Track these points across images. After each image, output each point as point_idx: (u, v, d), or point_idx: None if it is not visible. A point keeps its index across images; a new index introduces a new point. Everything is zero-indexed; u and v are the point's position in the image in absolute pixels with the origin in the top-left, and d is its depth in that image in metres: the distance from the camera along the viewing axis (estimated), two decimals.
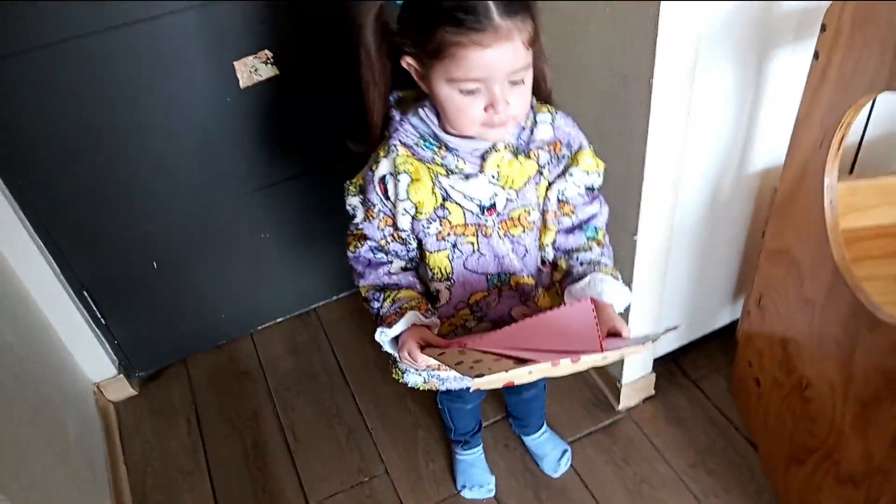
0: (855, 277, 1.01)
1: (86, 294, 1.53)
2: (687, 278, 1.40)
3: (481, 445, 1.43)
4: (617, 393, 1.49)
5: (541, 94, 0.93)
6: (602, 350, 0.80)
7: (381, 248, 0.97)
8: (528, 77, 0.84)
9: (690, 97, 1.07)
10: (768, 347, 1.30)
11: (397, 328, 0.93)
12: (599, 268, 0.96)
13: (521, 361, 0.81)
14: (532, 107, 0.91)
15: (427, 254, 0.96)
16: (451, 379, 1.08)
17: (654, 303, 1.34)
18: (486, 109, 0.82)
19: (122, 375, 1.66)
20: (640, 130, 1.08)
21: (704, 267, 1.40)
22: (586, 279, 0.95)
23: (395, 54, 0.86)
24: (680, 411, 1.50)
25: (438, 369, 1.04)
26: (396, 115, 0.91)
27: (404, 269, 0.99)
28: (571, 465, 1.42)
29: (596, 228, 0.99)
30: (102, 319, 1.59)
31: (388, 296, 0.96)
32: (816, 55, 1.02)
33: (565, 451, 1.43)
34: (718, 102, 1.15)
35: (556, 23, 1.21)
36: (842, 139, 1.01)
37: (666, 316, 1.40)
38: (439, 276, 0.97)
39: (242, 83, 1.42)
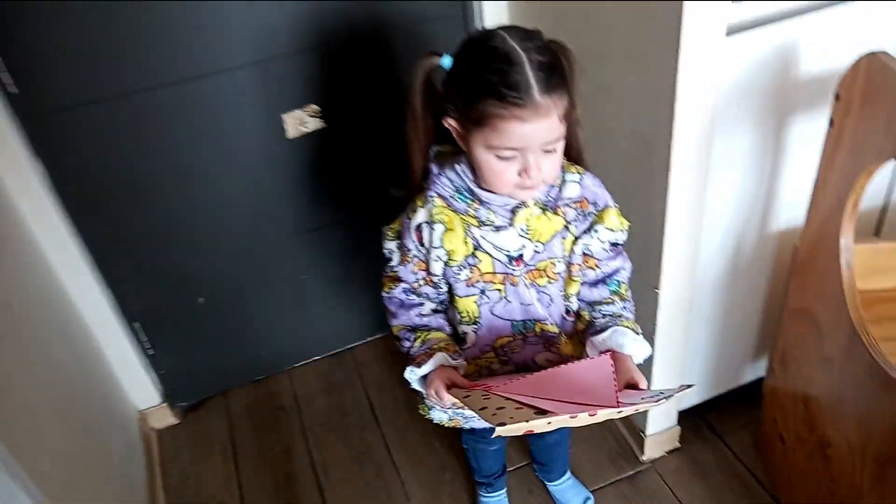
0: (872, 337, 1.04)
1: (136, 326, 1.63)
2: (710, 333, 1.43)
3: (505, 489, 1.46)
4: (641, 443, 1.51)
5: (571, 154, 0.99)
6: (618, 405, 0.85)
7: (413, 291, 1.04)
8: (560, 145, 0.90)
9: (709, 158, 1.12)
10: (791, 405, 1.31)
11: (426, 368, 0.98)
12: (620, 321, 1.02)
13: (542, 412, 0.86)
14: (562, 167, 0.97)
15: (456, 298, 1.02)
16: (474, 418, 1.12)
17: (677, 356, 1.37)
18: (519, 174, 0.88)
19: (165, 404, 1.75)
20: (661, 189, 1.14)
21: (728, 322, 1.42)
22: (608, 332, 1.00)
23: (437, 114, 0.94)
24: (705, 465, 1.50)
25: (463, 408, 1.09)
26: (435, 169, 0.98)
27: (435, 312, 1.06)
28: None
29: (619, 282, 1.04)
30: (150, 350, 1.68)
31: (419, 336, 1.03)
32: (831, 122, 1.06)
33: (587, 498, 1.45)
34: (738, 164, 1.20)
35: (585, 88, 1.28)
36: (855, 203, 1.04)
37: (689, 369, 1.43)
38: (467, 319, 1.03)
39: (290, 134, 1.52)
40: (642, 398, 0.92)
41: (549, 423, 0.87)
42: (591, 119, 1.26)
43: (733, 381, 1.54)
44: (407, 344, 1.04)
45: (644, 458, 1.52)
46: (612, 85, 1.19)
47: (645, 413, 1.45)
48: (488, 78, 0.84)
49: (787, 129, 1.19)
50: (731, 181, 1.22)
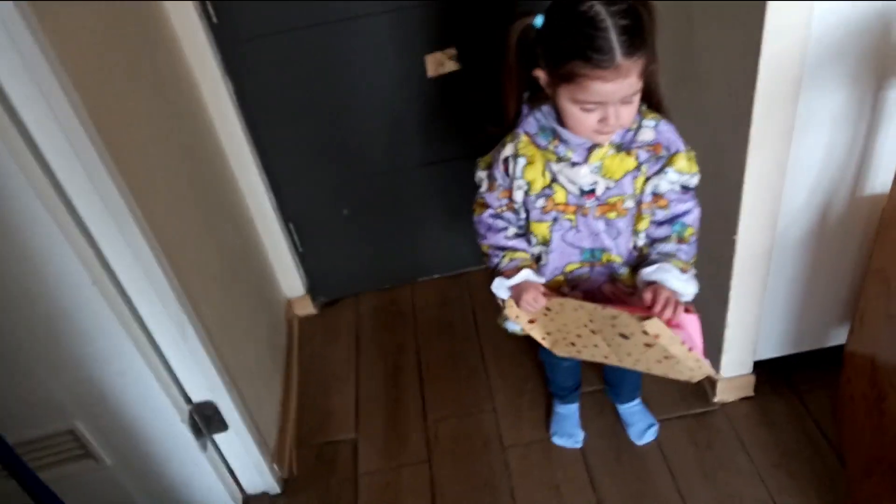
0: None
1: (291, 226, 1.96)
2: (793, 290, 1.47)
3: (577, 403, 1.62)
4: (714, 386, 1.60)
5: (651, 101, 1.10)
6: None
7: (498, 216, 1.20)
8: (638, 96, 1.02)
9: (794, 113, 1.18)
10: (862, 364, 1.35)
11: (515, 279, 1.16)
12: (671, 259, 1.13)
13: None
14: (639, 112, 1.08)
15: (532, 223, 1.17)
16: None
17: (752, 305, 1.44)
18: (599, 122, 1.02)
19: (308, 296, 2.08)
20: (743, 139, 1.22)
21: (813, 282, 1.46)
22: (654, 266, 1.13)
23: (528, 65, 1.07)
24: (775, 416, 1.57)
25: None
26: (525, 110, 1.13)
27: (517, 235, 1.22)
28: (656, 438, 1.56)
29: (683, 225, 1.15)
30: (300, 248, 2.01)
31: (507, 254, 1.20)
32: None
33: (653, 424, 1.57)
34: (830, 122, 1.24)
35: (683, 43, 1.38)
36: None
37: (768, 321, 1.49)
38: (540, 241, 1.19)
39: (430, 73, 1.74)
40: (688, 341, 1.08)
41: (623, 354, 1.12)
42: (690, 73, 1.38)
43: (818, 341, 1.58)
44: (496, 260, 1.20)
45: (716, 399, 1.61)
46: (711, 39, 1.28)
47: (719, 356, 1.54)
48: (577, 41, 0.95)
49: (886, 93, 1.21)
50: (821, 139, 1.26)
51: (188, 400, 1.37)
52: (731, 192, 1.30)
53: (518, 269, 1.17)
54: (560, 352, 1.28)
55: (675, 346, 1.08)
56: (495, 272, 1.20)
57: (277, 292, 2.02)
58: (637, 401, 1.59)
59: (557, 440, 1.60)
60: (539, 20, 1.03)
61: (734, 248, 1.35)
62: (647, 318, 1.04)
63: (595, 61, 0.94)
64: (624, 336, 1.12)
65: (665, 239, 1.15)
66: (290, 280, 2.05)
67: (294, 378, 1.89)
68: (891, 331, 1.19)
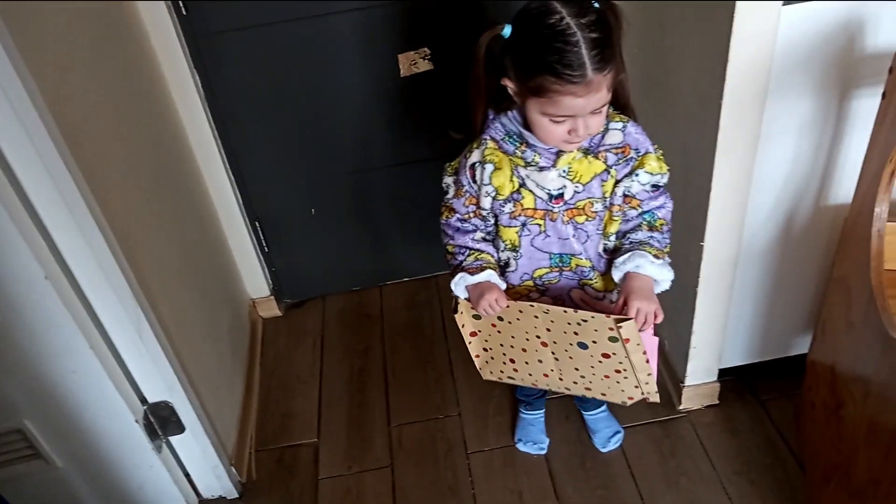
0: (885, 299, 1.09)
1: (257, 224, 1.93)
2: (759, 297, 1.49)
3: (543, 410, 1.61)
4: (679, 393, 1.60)
5: (619, 103, 1.10)
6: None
7: (465, 220, 1.19)
8: (606, 105, 1.02)
9: (760, 120, 1.19)
10: (823, 372, 1.36)
11: (478, 277, 1.15)
12: (644, 247, 1.13)
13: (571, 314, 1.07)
14: (606, 115, 1.07)
15: (501, 228, 1.17)
16: None
17: (718, 312, 1.45)
18: (568, 132, 1.01)
19: (273, 297, 2.04)
20: (711, 144, 1.23)
21: (779, 290, 1.48)
22: (628, 254, 1.12)
23: (497, 75, 1.05)
24: (739, 424, 1.58)
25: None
26: (491, 115, 1.12)
27: (485, 240, 1.21)
28: (621, 445, 1.56)
29: (654, 215, 1.14)
30: (266, 248, 1.98)
31: (473, 254, 1.19)
32: (884, 95, 1.11)
33: (618, 431, 1.57)
34: (795, 131, 1.26)
35: (659, 49, 1.39)
36: (893, 172, 1.09)
37: (733, 329, 1.50)
38: (508, 246, 1.18)
39: (402, 73, 1.73)
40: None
41: (577, 379, 1.15)
42: (662, 78, 1.38)
43: (782, 350, 1.59)
44: (460, 258, 1.19)
45: (680, 407, 1.61)
46: (682, 45, 1.28)
47: (685, 363, 1.54)
48: (547, 56, 0.94)
49: (850, 104, 1.23)
50: (787, 147, 1.28)
51: (143, 400, 1.33)
52: (699, 198, 1.31)
53: (481, 269, 1.16)
54: (488, 373, 1.28)
55: (637, 354, 1.08)
56: (457, 270, 1.18)
57: (241, 292, 1.98)
58: (603, 407, 1.59)
59: (522, 447, 1.59)
60: (507, 30, 1.01)
61: (701, 254, 1.36)
62: (624, 319, 1.04)
63: (566, 77, 0.94)
64: (583, 345, 1.12)
65: (636, 228, 1.15)
66: (255, 280, 2.01)
67: (256, 380, 1.86)
68: (851, 339, 1.21)
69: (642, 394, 1.16)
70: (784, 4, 1.08)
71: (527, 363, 1.21)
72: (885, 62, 1.08)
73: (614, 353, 1.10)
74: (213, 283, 1.75)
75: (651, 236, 1.14)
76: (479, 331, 1.22)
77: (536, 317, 1.13)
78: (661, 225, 1.15)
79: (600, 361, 1.13)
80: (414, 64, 1.73)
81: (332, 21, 1.63)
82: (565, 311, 1.09)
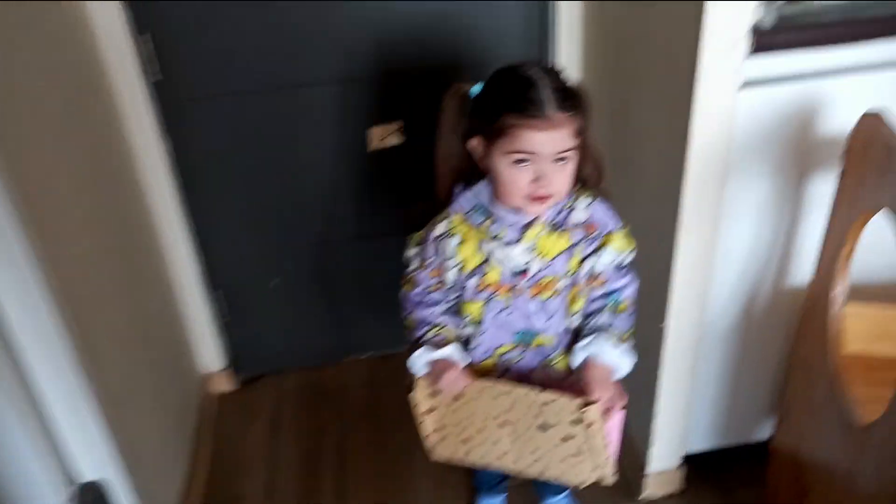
0: (846, 382, 1.08)
1: (219, 294, 1.87)
2: (722, 381, 1.47)
3: (504, 496, 1.54)
4: (642, 481, 1.55)
5: (589, 181, 1.11)
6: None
7: (427, 293, 1.17)
8: (572, 161, 1.03)
9: (720, 201, 1.21)
10: (787, 458, 1.33)
11: (441, 352, 1.11)
12: (605, 331, 1.11)
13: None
14: (573, 192, 1.09)
15: (464, 302, 1.15)
16: None
17: (681, 395, 1.42)
18: (532, 182, 1.01)
19: (227, 372, 1.97)
20: (673, 222, 1.24)
21: (741, 373, 1.46)
22: (588, 339, 1.11)
23: (464, 137, 1.07)
24: None
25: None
26: (457, 188, 1.13)
27: (446, 314, 1.17)
28: None
29: (617, 298, 1.14)
30: (227, 318, 1.91)
31: (434, 328, 1.15)
32: (839, 178, 1.13)
33: None
34: (755, 213, 1.28)
35: (627, 129, 1.42)
36: (848, 254, 1.11)
37: (697, 413, 1.48)
38: (472, 321, 1.16)
39: (373, 146, 1.74)
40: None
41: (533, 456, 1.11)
42: (629, 158, 1.41)
43: (747, 435, 1.56)
44: (421, 331, 1.15)
45: (643, 495, 1.56)
46: (646, 124, 1.31)
47: (647, 449, 1.50)
48: (511, 97, 0.99)
49: (808, 187, 1.26)
50: (747, 228, 1.30)
51: (72, 479, 1.24)
52: (661, 277, 1.31)
53: (444, 344, 1.12)
54: (441, 452, 1.22)
55: (598, 438, 1.05)
56: (417, 344, 1.14)
57: (194, 365, 1.90)
58: (566, 492, 1.53)
59: None
60: (476, 88, 1.05)
61: (663, 335, 1.35)
62: (590, 403, 1.01)
63: (528, 111, 0.97)
64: (543, 428, 1.09)
65: (598, 311, 1.14)
66: (209, 353, 1.94)
67: (203, 459, 1.75)
68: (814, 424, 1.19)
69: (598, 477, 1.11)
70: (740, 89, 1.12)
71: (481, 444, 1.16)
72: (839, 146, 1.12)
73: (574, 437, 1.07)
74: (165, 353, 1.68)
75: (613, 320, 1.12)
76: (435, 409, 1.18)
77: (497, 398, 1.10)
78: (624, 308, 1.14)
79: (558, 445, 1.09)
80: (385, 138, 1.74)
81: (306, 93, 1.65)
82: (528, 393, 1.06)
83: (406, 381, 1.91)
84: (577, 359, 1.12)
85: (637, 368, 1.48)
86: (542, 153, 0.99)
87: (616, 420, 1.11)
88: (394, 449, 1.76)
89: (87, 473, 1.24)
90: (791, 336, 1.40)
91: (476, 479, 1.53)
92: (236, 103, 1.63)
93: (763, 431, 1.54)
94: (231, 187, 1.74)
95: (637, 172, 1.39)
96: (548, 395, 1.04)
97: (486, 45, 1.63)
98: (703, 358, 1.41)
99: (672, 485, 1.56)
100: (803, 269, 1.33)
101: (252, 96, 1.63)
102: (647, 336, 1.40)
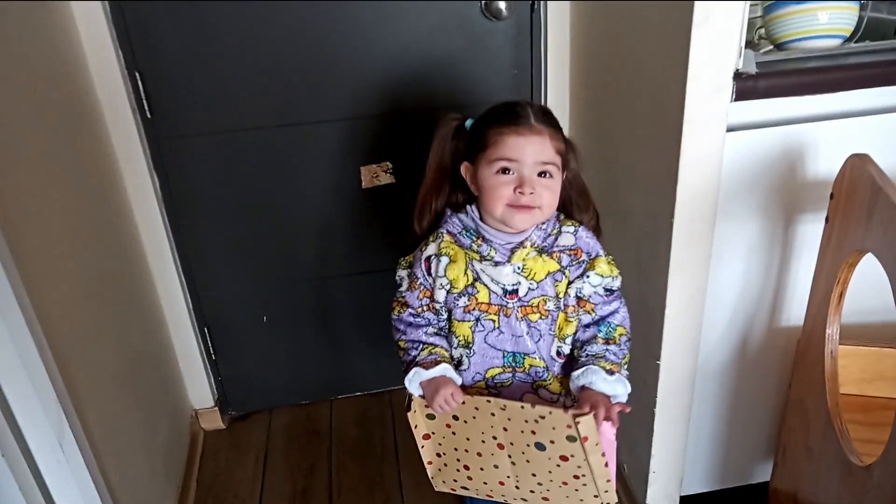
0: (843, 423, 1.07)
1: (206, 330, 1.86)
2: (717, 422, 1.46)
3: None
4: None
5: (578, 212, 1.14)
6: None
7: (418, 315, 1.18)
8: (557, 178, 1.06)
9: (710, 242, 1.21)
10: (786, 501, 1.31)
11: (433, 372, 1.10)
12: (599, 361, 1.11)
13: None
14: (559, 220, 1.12)
15: (455, 322, 1.15)
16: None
17: (677, 433, 1.40)
18: (515, 190, 1.04)
19: (217, 409, 1.94)
20: (664, 262, 1.24)
21: (736, 415, 1.45)
22: (583, 368, 1.10)
23: (454, 165, 1.12)
24: None
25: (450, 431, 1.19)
26: (448, 211, 1.15)
27: (437, 334, 1.18)
28: None
29: (611, 325, 1.14)
30: (213, 356, 1.90)
31: (426, 348, 1.15)
32: (827, 219, 1.14)
33: None
34: (745, 254, 1.28)
35: (615, 169, 1.43)
36: (840, 294, 1.10)
37: (693, 455, 1.46)
38: (462, 343, 1.15)
39: (364, 185, 1.75)
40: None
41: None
42: (617, 196, 1.42)
43: (745, 477, 1.54)
44: (414, 353, 1.15)
45: None
46: (633, 165, 1.32)
47: (645, 489, 1.48)
48: (497, 113, 1.06)
49: (797, 227, 1.27)
50: (738, 268, 1.30)
51: None
52: (654, 316, 1.30)
53: (436, 363, 1.12)
54: (440, 483, 1.21)
55: (595, 456, 1.03)
56: (411, 366, 1.14)
57: (183, 402, 1.88)
58: None
59: None
60: (469, 122, 1.11)
61: (658, 373, 1.33)
62: (581, 414, 1.00)
63: (512, 120, 1.03)
64: (541, 446, 1.06)
65: (592, 340, 1.13)
66: (199, 390, 1.91)
67: (191, 497, 1.72)
68: (811, 465, 1.17)
69: (600, 501, 1.09)
70: (727, 132, 1.13)
71: (482, 469, 1.14)
72: (826, 188, 1.13)
73: (573, 455, 1.04)
74: (153, 390, 1.66)
75: (607, 349, 1.12)
76: (433, 433, 1.16)
77: (493, 414, 1.08)
78: (620, 336, 1.14)
79: (558, 465, 1.07)
80: (376, 177, 1.75)
81: (297, 131, 1.66)
82: (522, 407, 1.04)
83: (402, 420, 1.91)
84: (574, 387, 1.12)
85: (633, 406, 1.46)
86: (524, 160, 1.03)
87: (612, 443, 1.09)
88: (385, 487, 1.72)
89: None
90: (785, 376, 1.39)
91: None
92: (227, 140, 1.64)
93: (761, 473, 1.52)
94: (221, 223, 1.74)
95: (624, 212, 1.40)
96: (542, 409, 1.03)
97: (476, 89, 1.66)
98: (699, 398, 1.40)
99: None
100: (796, 309, 1.33)
101: (244, 133, 1.64)
102: (642, 373, 1.39)
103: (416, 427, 1.16)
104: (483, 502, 1.47)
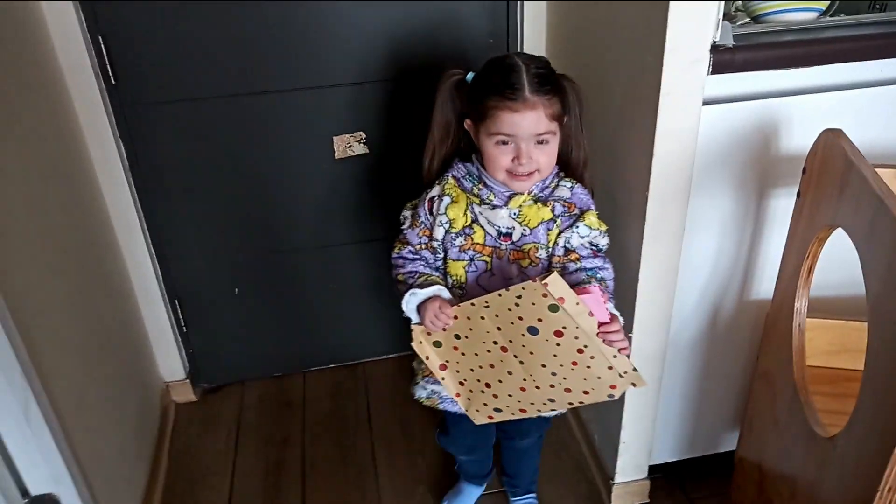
0: (809, 395, 1.09)
1: (177, 303, 1.83)
2: (687, 393, 1.48)
3: (482, 489, 1.58)
4: (610, 491, 1.55)
5: (571, 169, 1.18)
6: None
7: (416, 253, 1.20)
8: (553, 141, 1.09)
9: (684, 213, 1.21)
10: (751, 470, 1.34)
11: (429, 291, 1.12)
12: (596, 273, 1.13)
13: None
14: (559, 175, 1.17)
15: (449, 262, 1.18)
16: (448, 400, 1.25)
17: (648, 405, 1.43)
18: (513, 160, 1.08)
19: (188, 382, 1.92)
20: (637, 236, 1.24)
21: (706, 385, 1.47)
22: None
23: (459, 121, 1.16)
24: None
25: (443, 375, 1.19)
26: (456, 159, 1.19)
27: (434, 271, 1.20)
28: None
29: (596, 273, 1.14)
30: (185, 328, 1.87)
31: (422, 277, 1.17)
32: (799, 194, 1.15)
33: None
34: (718, 228, 1.29)
35: (594, 145, 1.42)
36: (810, 268, 1.12)
37: (663, 424, 1.48)
38: (455, 282, 1.18)
39: (337, 155, 1.72)
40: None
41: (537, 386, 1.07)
42: (593, 168, 1.40)
43: (711, 446, 1.57)
44: (411, 281, 1.17)
45: None
46: (612, 137, 1.32)
47: (615, 459, 1.50)
48: (494, 81, 1.07)
49: (769, 202, 1.28)
50: (710, 242, 1.30)
51: (24, 492, 1.19)
52: (627, 289, 1.31)
53: (432, 285, 1.14)
54: (476, 411, 1.20)
55: (583, 318, 1.00)
56: (405, 291, 1.15)
57: (154, 375, 1.86)
58: (533, 495, 1.54)
59: None
60: (470, 75, 1.13)
61: (629, 345, 1.34)
62: (548, 275, 0.97)
63: (506, 94, 1.04)
64: (533, 330, 1.04)
65: (583, 261, 1.15)
66: (170, 362, 1.89)
67: (162, 470, 1.71)
68: (776, 436, 1.19)
69: (620, 375, 1.05)
70: (703, 106, 1.12)
71: (500, 381, 1.13)
72: (799, 163, 1.13)
73: (565, 328, 1.01)
74: (123, 363, 1.63)
75: (601, 267, 1.15)
76: (447, 361, 1.17)
77: (483, 317, 1.08)
78: (605, 286, 1.15)
79: (558, 344, 1.04)
80: (349, 147, 1.72)
81: (268, 100, 1.62)
82: (500, 295, 1.03)
83: (377, 391, 1.91)
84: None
85: None
86: (521, 134, 1.06)
87: (594, 303, 1.03)
88: (358, 460, 1.73)
89: (39, 486, 1.20)
90: (754, 349, 1.41)
91: (459, 468, 1.56)
92: (196, 108, 1.60)
93: (728, 442, 1.55)
94: (192, 193, 1.70)
95: (601, 184, 1.39)
96: (515, 288, 1.00)
97: (452, 58, 1.62)
98: (669, 370, 1.41)
99: (639, 496, 1.56)
100: (766, 282, 1.34)
101: (213, 101, 1.60)
102: None
103: (427, 358, 1.17)
104: (472, 466, 1.50)
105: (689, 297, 1.36)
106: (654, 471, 1.55)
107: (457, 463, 1.56)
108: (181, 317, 1.86)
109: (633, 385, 1.06)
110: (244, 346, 1.96)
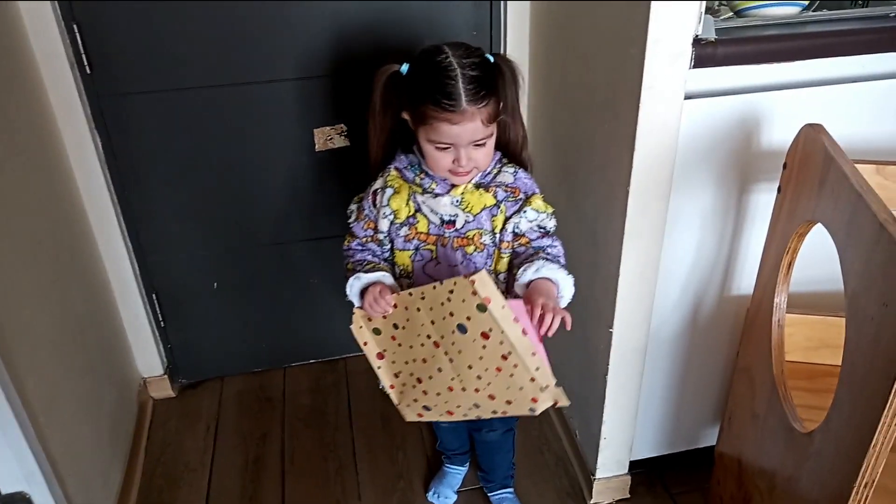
0: (787, 390, 1.09)
1: (154, 297, 1.80)
2: (668, 388, 1.48)
3: (464, 468, 1.60)
4: (591, 486, 1.55)
5: (510, 153, 1.18)
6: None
7: (363, 245, 1.22)
8: (490, 140, 1.11)
9: (665, 208, 1.21)
10: (731, 465, 1.34)
11: (372, 277, 1.14)
12: (545, 252, 1.14)
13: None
14: (501, 161, 1.18)
15: (396, 251, 1.19)
16: None
17: (629, 399, 1.42)
18: (452, 162, 1.10)
19: (166, 377, 1.89)
20: (618, 231, 1.23)
21: (687, 381, 1.47)
22: (529, 262, 1.11)
23: (396, 109, 1.14)
24: None
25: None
26: (399, 151, 1.20)
27: (381, 260, 1.22)
28: None
29: (546, 251, 1.15)
30: (162, 323, 1.85)
31: (370, 265, 1.19)
32: (779, 189, 1.15)
33: None
34: (699, 222, 1.28)
35: (574, 133, 1.41)
36: (790, 263, 1.12)
37: (644, 419, 1.48)
38: (403, 272, 1.20)
39: (318, 147, 1.70)
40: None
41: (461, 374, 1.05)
42: (575, 161, 1.40)
43: (692, 441, 1.57)
44: (358, 269, 1.18)
45: (591, 502, 1.55)
46: (591, 133, 1.31)
47: (596, 455, 1.50)
48: (430, 87, 1.05)
49: (750, 197, 1.27)
50: (691, 237, 1.30)
51: None
52: (608, 284, 1.30)
53: (376, 271, 1.16)
54: (406, 406, 1.19)
55: (508, 323, 0.99)
56: (350, 275, 1.17)
57: (131, 370, 1.83)
58: (509, 490, 1.54)
59: (430, 496, 1.58)
60: (405, 67, 1.11)
61: (610, 340, 1.34)
62: (475, 273, 0.99)
63: (443, 105, 1.04)
64: (462, 329, 1.04)
65: (529, 256, 1.14)
66: (147, 358, 1.86)
67: (138, 468, 1.68)
68: (756, 431, 1.19)
69: (541, 389, 1.01)
70: (684, 100, 1.12)
71: (430, 378, 1.12)
72: (779, 158, 1.13)
73: (490, 330, 1.01)
74: (98, 358, 1.60)
75: (551, 245, 1.15)
76: (385, 350, 1.17)
77: (419, 309, 1.09)
78: (556, 259, 1.14)
79: (484, 346, 1.03)
80: (330, 139, 1.70)
81: (248, 91, 1.60)
82: (434, 287, 1.05)
83: (357, 388, 1.90)
84: (521, 287, 1.11)
85: (585, 374, 1.48)
86: (459, 143, 1.07)
87: (521, 308, 1.04)
88: (338, 455, 1.72)
89: (10, 485, 1.18)
90: (735, 344, 1.41)
91: (439, 445, 1.59)
92: (173, 99, 1.57)
93: (709, 438, 1.56)
94: (169, 186, 1.67)
95: (581, 181, 1.39)
96: (448, 282, 1.03)
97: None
98: (650, 365, 1.41)
99: (620, 491, 1.56)
100: (747, 277, 1.34)
101: (191, 91, 1.57)
102: (594, 341, 1.40)
103: (365, 344, 1.18)
104: (451, 438, 1.53)
105: (670, 292, 1.35)
106: (635, 466, 1.55)
107: (438, 441, 1.58)
108: (159, 311, 1.83)
109: (556, 403, 1.02)
110: (223, 340, 1.93)
